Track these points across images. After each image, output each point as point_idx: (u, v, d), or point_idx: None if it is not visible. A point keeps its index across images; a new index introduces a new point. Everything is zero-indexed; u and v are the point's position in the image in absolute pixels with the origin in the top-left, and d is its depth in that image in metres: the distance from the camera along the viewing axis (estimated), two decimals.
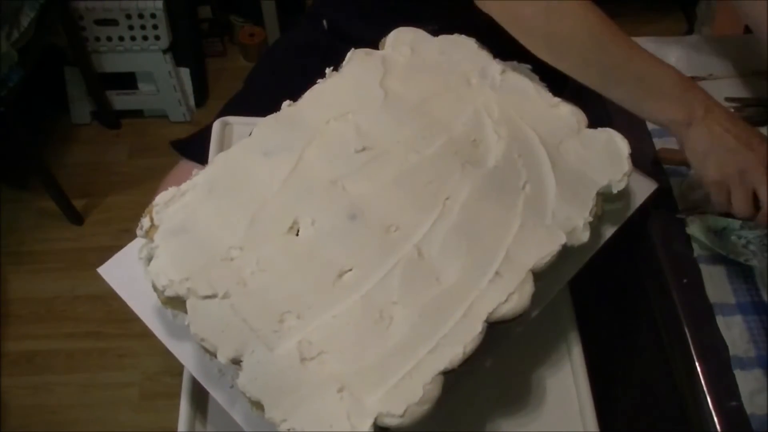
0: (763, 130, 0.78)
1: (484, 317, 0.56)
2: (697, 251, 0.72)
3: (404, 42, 0.73)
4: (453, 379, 0.55)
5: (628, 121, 0.85)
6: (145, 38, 1.70)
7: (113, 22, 1.66)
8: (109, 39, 1.70)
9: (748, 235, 0.70)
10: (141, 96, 1.85)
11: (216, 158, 0.64)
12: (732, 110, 0.85)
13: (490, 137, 0.67)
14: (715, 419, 0.61)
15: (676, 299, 0.69)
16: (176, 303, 0.57)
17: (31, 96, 1.72)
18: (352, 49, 0.71)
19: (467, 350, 0.54)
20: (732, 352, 0.64)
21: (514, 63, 0.75)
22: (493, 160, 0.65)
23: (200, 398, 0.65)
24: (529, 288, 0.58)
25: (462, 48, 0.74)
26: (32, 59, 1.45)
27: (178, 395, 0.63)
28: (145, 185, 1.71)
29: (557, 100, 0.72)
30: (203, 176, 0.62)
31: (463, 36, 0.75)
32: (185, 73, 1.84)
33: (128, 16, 1.65)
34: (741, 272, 0.70)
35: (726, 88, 0.88)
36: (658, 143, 0.82)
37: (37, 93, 1.77)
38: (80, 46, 1.68)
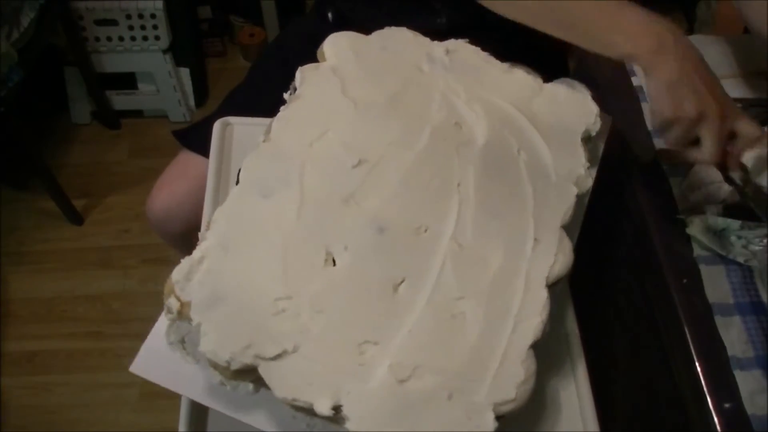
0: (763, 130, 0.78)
1: (544, 283, 0.58)
2: (696, 251, 0.72)
3: (344, 47, 0.72)
4: (543, 346, 0.56)
5: (628, 122, 0.85)
6: (145, 38, 1.70)
7: (113, 22, 1.67)
8: (109, 39, 1.70)
9: (748, 235, 0.70)
10: (141, 96, 1.85)
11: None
12: None
13: (468, 116, 0.68)
14: (716, 419, 0.61)
15: (675, 299, 0.69)
16: (243, 374, 0.53)
17: (31, 96, 1.72)
18: (300, 68, 0.69)
19: (544, 318, 0.56)
20: (730, 352, 0.64)
21: (452, 40, 0.75)
22: (482, 136, 0.66)
23: None
24: (567, 243, 0.61)
25: (400, 39, 0.74)
26: (32, 59, 1.45)
27: (178, 395, 0.63)
28: (145, 185, 1.70)
29: (507, 64, 0.74)
30: (212, 238, 0.57)
31: (394, 27, 0.75)
32: (185, 73, 1.84)
33: (128, 16, 1.65)
34: (740, 272, 0.70)
35: (726, 88, 0.87)
36: (658, 143, 0.82)
37: (37, 93, 1.77)
38: (80, 46, 1.68)
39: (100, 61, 1.75)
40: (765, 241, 0.70)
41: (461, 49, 0.75)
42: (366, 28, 0.75)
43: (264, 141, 0.64)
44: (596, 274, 0.91)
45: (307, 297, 0.54)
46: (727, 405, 0.62)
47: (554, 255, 0.60)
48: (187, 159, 0.96)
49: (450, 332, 0.55)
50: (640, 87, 0.89)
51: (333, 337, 0.53)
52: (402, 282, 0.57)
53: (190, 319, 0.53)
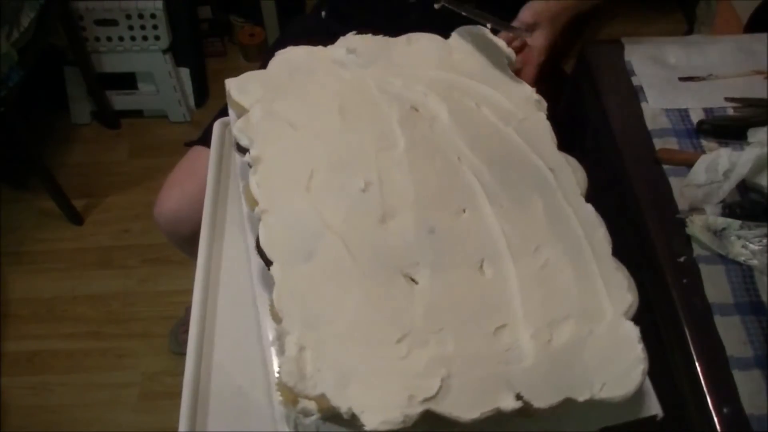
0: (764, 130, 0.78)
1: (582, 198, 0.63)
2: (696, 251, 0.72)
3: (255, 89, 0.70)
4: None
5: (628, 122, 0.86)
6: (145, 38, 1.70)
7: (113, 22, 1.67)
8: (109, 39, 1.70)
9: (747, 235, 0.70)
10: (141, 96, 1.85)
11: (278, 305, 0.54)
12: (732, 110, 0.86)
13: (418, 97, 0.70)
14: (715, 419, 0.61)
15: (675, 299, 0.69)
16: (420, 423, 0.49)
17: (31, 96, 1.72)
18: (234, 128, 0.67)
19: (604, 225, 0.61)
20: (729, 352, 0.64)
21: (343, 38, 0.76)
22: (442, 109, 0.68)
23: (200, 398, 0.65)
24: (571, 159, 0.66)
25: (297, 59, 0.74)
26: (32, 59, 1.45)
27: (178, 395, 0.63)
28: (145, 185, 1.71)
29: (404, 38, 0.77)
30: (293, 326, 0.52)
31: (282, 51, 0.75)
32: (185, 73, 1.84)
33: (128, 16, 1.66)
34: (740, 272, 0.70)
35: (726, 88, 0.88)
36: (658, 143, 0.82)
37: (37, 93, 1.77)
38: (80, 46, 1.68)
39: (100, 61, 1.75)
40: (765, 240, 0.70)
41: (358, 42, 0.76)
42: (356, 22, 0.77)
43: (262, 212, 0.59)
44: None
45: (420, 325, 0.53)
46: (726, 405, 0.62)
47: (571, 173, 0.64)
48: (196, 158, 0.96)
49: (550, 280, 0.56)
50: (640, 87, 0.89)
51: (469, 342, 0.52)
52: (482, 263, 0.57)
53: (335, 409, 0.48)
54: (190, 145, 0.99)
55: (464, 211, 0.61)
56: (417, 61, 0.75)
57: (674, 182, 0.78)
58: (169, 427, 1.29)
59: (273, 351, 0.57)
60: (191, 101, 1.89)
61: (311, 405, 0.49)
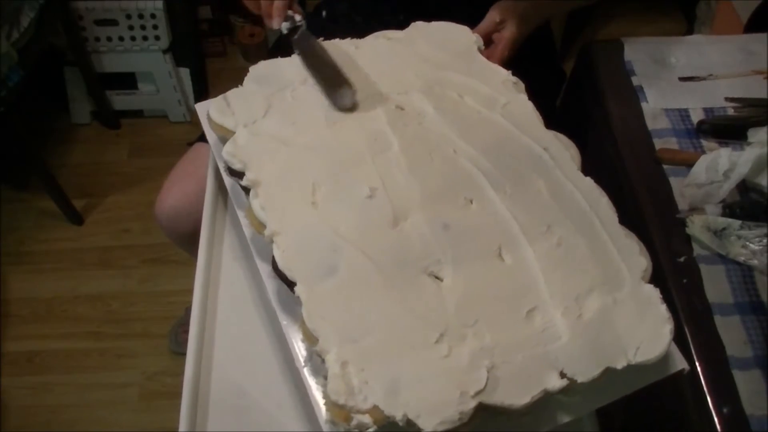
0: (764, 130, 0.78)
1: (580, 173, 0.64)
2: (696, 251, 0.72)
3: (232, 109, 0.69)
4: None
5: (628, 122, 0.86)
6: (145, 38, 1.70)
7: (113, 22, 1.67)
8: (109, 39, 1.70)
9: (748, 234, 0.70)
10: (141, 96, 1.85)
11: (313, 327, 0.53)
12: (732, 110, 0.86)
13: (399, 96, 0.69)
14: (715, 419, 0.61)
15: (675, 299, 0.69)
16: (476, 414, 0.50)
17: (31, 96, 1.72)
18: (224, 153, 0.64)
19: (605, 195, 0.62)
20: (729, 352, 0.65)
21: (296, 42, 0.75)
22: (426, 104, 0.68)
23: (200, 398, 0.65)
24: (558, 134, 0.67)
25: (263, 72, 0.73)
26: (32, 59, 1.45)
27: (178, 395, 0.63)
28: (145, 185, 1.71)
29: (350, 41, 0.76)
30: (332, 344, 0.51)
31: (261, 62, 0.74)
32: (185, 73, 1.84)
33: (128, 16, 1.66)
34: (740, 272, 0.70)
35: (726, 88, 0.88)
36: (658, 143, 0.82)
37: (37, 93, 1.77)
38: (80, 46, 1.68)
39: (100, 61, 1.75)
40: (765, 240, 0.70)
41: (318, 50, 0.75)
42: (354, 22, 0.78)
43: (273, 234, 0.57)
44: None
45: (454, 321, 0.53)
46: (726, 405, 0.62)
47: (564, 150, 0.65)
48: (197, 155, 0.96)
49: (568, 256, 0.57)
50: (640, 87, 0.89)
51: (505, 330, 0.53)
52: (500, 250, 0.58)
53: (389, 418, 0.48)
54: (192, 144, 0.99)
55: (471, 202, 0.61)
56: (380, 57, 0.74)
57: (674, 182, 0.78)
58: (169, 427, 1.29)
59: (306, 372, 0.56)
60: (191, 101, 1.88)
61: (366, 419, 0.48)
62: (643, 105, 0.87)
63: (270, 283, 0.62)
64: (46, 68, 1.70)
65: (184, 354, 0.66)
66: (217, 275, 0.74)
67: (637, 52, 0.95)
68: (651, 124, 0.84)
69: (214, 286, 0.73)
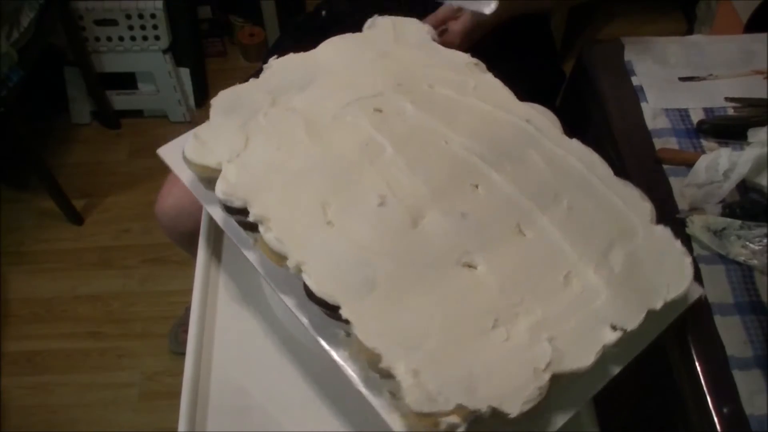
0: (764, 130, 0.78)
1: (568, 143, 0.66)
2: (697, 251, 0.72)
3: (209, 146, 0.65)
4: None
5: (628, 122, 0.85)
6: (145, 38, 1.70)
7: (113, 22, 1.67)
8: (109, 39, 1.70)
9: (748, 234, 0.70)
10: (141, 96, 1.85)
11: (378, 348, 0.51)
12: (732, 110, 0.86)
13: (377, 99, 0.68)
14: (715, 419, 0.61)
15: None
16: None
17: (31, 96, 1.72)
18: (216, 191, 0.61)
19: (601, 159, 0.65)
20: (729, 352, 0.64)
21: (265, 68, 0.72)
22: (405, 100, 0.68)
23: (200, 398, 0.65)
24: (550, 114, 0.69)
25: (233, 94, 0.70)
26: (32, 59, 1.45)
27: (178, 395, 0.63)
28: (145, 185, 1.72)
29: (309, 53, 0.74)
30: (393, 349, 0.51)
31: (221, 91, 0.70)
32: (185, 73, 1.84)
33: (128, 16, 1.66)
34: (740, 272, 0.70)
35: (726, 88, 0.88)
36: (658, 143, 0.82)
37: (37, 93, 1.77)
38: (80, 46, 1.68)
39: (100, 61, 1.75)
40: (765, 240, 0.70)
41: (280, 66, 0.73)
42: (352, 22, 0.78)
43: (299, 264, 0.55)
44: None
45: (502, 304, 0.54)
46: (726, 405, 0.62)
47: (544, 118, 0.67)
48: None
49: (581, 218, 0.60)
50: (640, 87, 0.89)
51: (550, 300, 0.55)
52: (519, 227, 0.59)
53: (474, 413, 0.49)
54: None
55: (477, 187, 0.61)
56: (347, 66, 0.72)
57: (674, 182, 0.78)
58: (169, 427, 1.29)
59: (367, 392, 0.55)
60: (191, 101, 1.89)
61: (454, 419, 0.48)
62: (643, 105, 0.87)
63: (302, 314, 0.59)
64: (46, 68, 1.70)
65: (184, 354, 0.66)
66: (216, 275, 0.74)
67: (637, 52, 0.94)
68: (651, 124, 0.84)
69: (214, 286, 0.73)
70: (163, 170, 1.00)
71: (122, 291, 1.56)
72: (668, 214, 0.75)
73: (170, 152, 0.70)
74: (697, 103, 0.87)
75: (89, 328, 1.50)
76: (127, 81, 1.82)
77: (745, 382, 0.63)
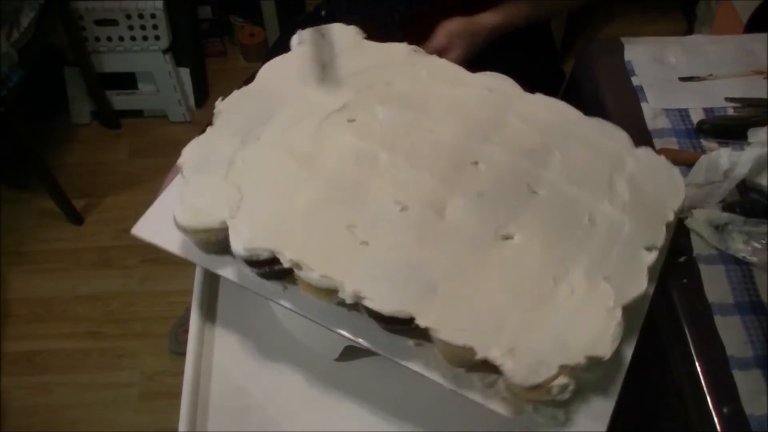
0: (764, 130, 0.78)
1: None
2: (697, 251, 0.72)
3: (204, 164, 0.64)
4: None
5: (628, 122, 0.85)
6: (145, 38, 1.70)
7: (113, 22, 1.67)
8: (109, 39, 1.70)
9: (751, 231, 0.70)
10: (141, 96, 1.85)
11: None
12: (732, 110, 0.86)
13: (337, 113, 0.66)
14: (715, 419, 0.61)
15: (675, 299, 0.69)
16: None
17: (31, 96, 1.72)
18: (233, 244, 0.57)
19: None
20: (729, 352, 0.64)
21: (210, 129, 0.67)
22: (372, 103, 0.68)
23: (200, 398, 0.65)
24: (505, 77, 0.72)
25: (196, 148, 0.65)
26: (32, 59, 1.45)
27: (178, 395, 0.63)
28: (145, 185, 1.71)
29: (257, 83, 0.72)
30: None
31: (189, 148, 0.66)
32: (185, 73, 1.84)
33: (128, 16, 1.66)
34: (740, 272, 0.70)
35: (726, 88, 0.88)
36: (658, 143, 0.82)
37: (37, 93, 1.77)
38: (80, 46, 1.68)
39: (100, 61, 1.75)
40: (766, 239, 0.70)
41: (231, 107, 0.69)
42: (352, 23, 0.79)
43: (358, 293, 0.54)
44: None
45: (552, 261, 0.57)
46: (726, 405, 0.62)
47: (504, 82, 0.70)
48: None
49: (575, 161, 0.64)
50: (640, 87, 0.89)
51: (588, 242, 0.58)
52: (528, 187, 0.62)
53: (577, 366, 0.51)
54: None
55: (477, 164, 0.63)
56: (296, 87, 0.70)
57: None
58: (169, 427, 1.29)
59: (463, 392, 0.56)
60: (191, 101, 1.88)
61: (562, 380, 0.51)
62: (643, 105, 0.87)
63: (365, 340, 0.58)
64: (46, 68, 1.70)
65: (184, 354, 0.66)
66: (217, 275, 0.74)
67: (637, 52, 0.94)
68: (651, 124, 0.84)
69: (214, 285, 0.73)
70: (163, 170, 1.00)
71: (122, 291, 1.56)
72: None
73: (146, 228, 0.65)
74: (697, 103, 0.87)
75: (89, 328, 1.50)
76: (127, 81, 1.82)
77: (745, 382, 0.63)
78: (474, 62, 0.77)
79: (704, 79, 0.90)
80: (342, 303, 0.55)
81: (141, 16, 1.66)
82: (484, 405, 0.54)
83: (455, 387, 0.55)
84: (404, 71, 0.71)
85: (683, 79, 0.90)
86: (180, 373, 0.65)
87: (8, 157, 1.64)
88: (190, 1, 1.85)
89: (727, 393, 0.63)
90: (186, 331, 0.69)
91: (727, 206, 0.73)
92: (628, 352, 0.58)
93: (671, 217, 0.61)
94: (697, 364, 0.65)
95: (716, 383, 0.63)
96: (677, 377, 0.67)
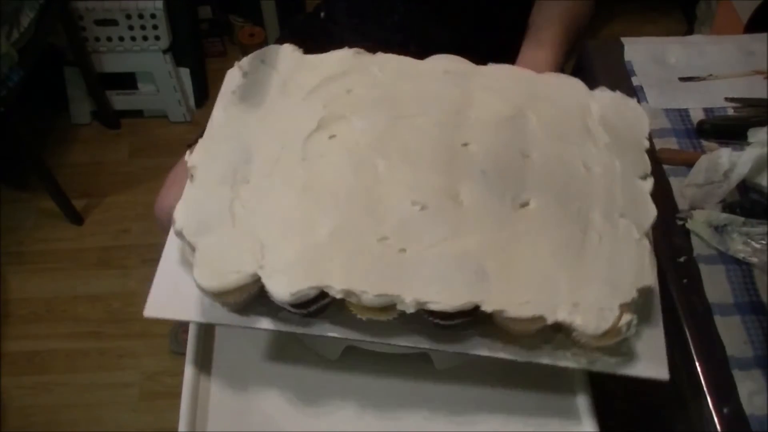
0: (764, 130, 0.78)
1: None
2: (697, 251, 0.72)
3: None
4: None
5: None
6: (145, 38, 1.70)
7: (113, 22, 1.67)
8: (109, 39, 1.70)
9: (751, 231, 0.70)
10: (141, 96, 1.85)
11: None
12: (732, 110, 0.86)
13: (318, 131, 0.65)
14: (715, 419, 0.61)
15: (675, 299, 0.69)
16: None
17: (31, 96, 1.72)
18: (269, 286, 0.55)
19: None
20: (729, 352, 0.65)
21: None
22: (345, 112, 0.67)
23: (200, 398, 0.65)
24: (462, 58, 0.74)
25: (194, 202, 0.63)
26: (32, 59, 1.45)
27: (178, 395, 0.63)
28: (145, 185, 1.71)
29: (221, 102, 0.70)
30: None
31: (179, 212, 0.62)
32: (185, 73, 1.84)
33: (128, 16, 1.66)
34: (740, 272, 0.70)
35: (726, 88, 0.88)
36: (658, 143, 0.82)
37: (37, 93, 1.77)
38: (80, 46, 1.68)
39: (100, 61, 1.75)
40: (766, 239, 0.70)
41: (196, 160, 0.67)
42: (351, 23, 0.78)
43: (418, 300, 0.53)
44: None
45: (574, 216, 0.60)
46: (726, 405, 0.62)
47: (459, 61, 0.73)
48: None
49: (556, 116, 0.67)
50: (640, 87, 0.89)
51: (597, 189, 0.61)
52: (521, 151, 0.64)
53: (633, 303, 0.55)
54: (191, 145, 0.99)
55: (467, 144, 0.64)
56: (262, 118, 0.67)
57: (674, 182, 0.78)
58: (169, 427, 1.29)
59: (539, 360, 0.58)
60: (191, 101, 1.89)
61: (627, 317, 0.54)
62: (643, 105, 0.87)
63: (433, 344, 0.58)
64: (46, 68, 1.70)
65: (184, 354, 0.66)
66: None
67: (637, 52, 0.95)
68: (651, 124, 0.84)
69: None
70: (163, 170, 1.00)
71: (122, 291, 1.56)
72: (668, 214, 0.75)
73: (157, 306, 0.60)
74: (697, 103, 0.87)
75: (89, 328, 1.50)
76: (127, 81, 1.82)
77: (745, 382, 0.63)
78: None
79: (704, 79, 0.90)
80: (402, 315, 0.54)
81: (141, 16, 1.66)
82: (574, 366, 0.57)
83: (528, 358, 0.57)
84: (358, 75, 0.70)
85: (683, 79, 0.90)
86: (180, 373, 0.65)
87: (8, 157, 1.64)
88: (190, 1, 1.85)
89: (727, 393, 0.63)
90: (186, 331, 0.69)
91: (727, 206, 0.73)
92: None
93: (647, 144, 0.66)
94: (697, 364, 0.65)
95: (716, 383, 0.63)
96: (677, 377, 0.67)
